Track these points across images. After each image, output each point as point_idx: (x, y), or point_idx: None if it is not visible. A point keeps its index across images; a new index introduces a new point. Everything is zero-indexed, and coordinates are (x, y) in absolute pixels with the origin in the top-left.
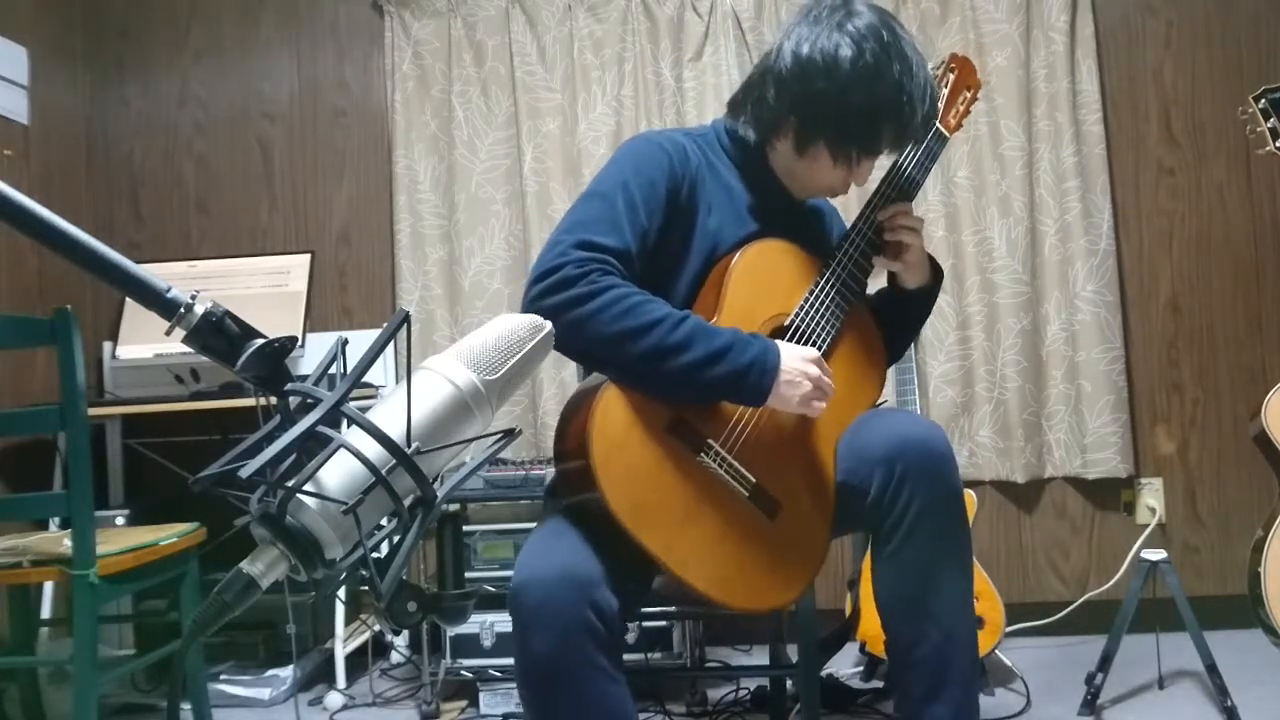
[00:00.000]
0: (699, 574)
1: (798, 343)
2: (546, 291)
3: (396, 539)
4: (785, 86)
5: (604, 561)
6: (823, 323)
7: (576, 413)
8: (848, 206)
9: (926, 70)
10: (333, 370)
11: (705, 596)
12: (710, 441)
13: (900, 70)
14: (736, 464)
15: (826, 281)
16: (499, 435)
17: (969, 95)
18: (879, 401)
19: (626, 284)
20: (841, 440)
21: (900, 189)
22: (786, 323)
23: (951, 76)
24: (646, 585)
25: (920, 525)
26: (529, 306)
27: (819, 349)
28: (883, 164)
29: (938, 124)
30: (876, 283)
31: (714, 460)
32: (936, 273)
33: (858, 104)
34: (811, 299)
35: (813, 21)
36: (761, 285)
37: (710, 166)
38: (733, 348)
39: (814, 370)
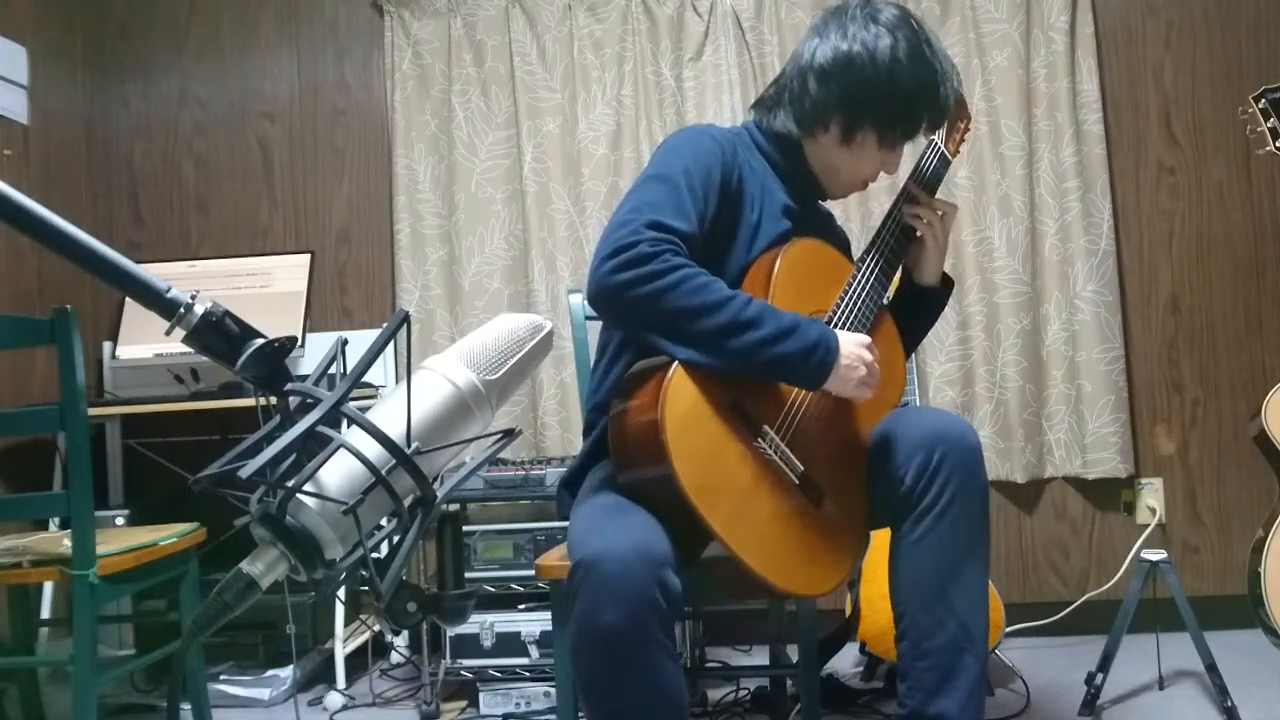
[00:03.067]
0: (755, 554)
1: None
2: (621, 267)
3: (396, 539)
4: (830, 79)
5: (671, 541)
6: (857, 320)
7: (643, 389)
8: (854, 218)
9: (947, 54)
10: (333, 370)
11: (758, 577)
12: (766, 427)
13: (931, 54)
14: (788, 450)
15: (859, 281)
16: (499, 435)
17: (962, 127)
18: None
19: (695, 265)
20: (873, 433)
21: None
22: (825, 319)
23: None
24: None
25: (951, 512)
26: (601, 281)
27: None
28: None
29: (942, 147)
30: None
31: (769, 445)
32: (948, 282)
33: (903, 88)
34: (848, 297)
35: (844, 21)
36: (804, 281)
37: (748, 164)
38: (799, 326)
39: (868, 356)
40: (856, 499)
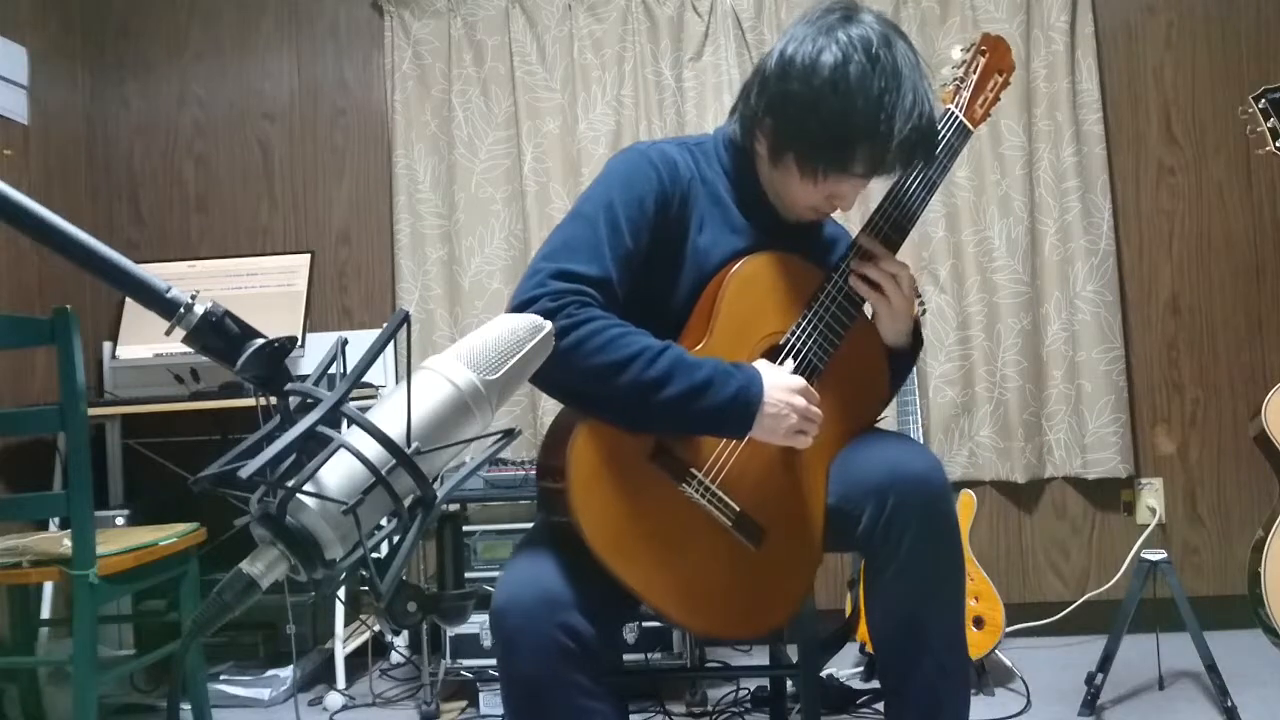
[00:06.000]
0: (679, 606)
1: (794, 362)
2: None
3: (396, 539)
4: (766, 85)
5: (580, 584)
6: (820, 340)
7: (560, 435)
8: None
9: (921, 95)
10: (333, 370)
11: (685, 627)
12: (693, 471)
13: (883, 89)
14: (720, 493)
15: (826, 296)
16: (499, 435)
17: (1000, 80)
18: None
19: (605, 315)
20: (835, 462)
21: (901, 205)
22: (781, 341)
23: (982, 60)
24: (631, 604)
25: (912, 560)
26: None
27: (817, 368)
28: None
29: (961, 117)
30: None
31: (697, 490)
32: (918, 341)
33: (828, 116)
34: (809, 316)
35: (809, 22)
36: (756, 302)
37: (703, 179)
38: (714, 381)
39: (799, 401)
40: (808, 530)
